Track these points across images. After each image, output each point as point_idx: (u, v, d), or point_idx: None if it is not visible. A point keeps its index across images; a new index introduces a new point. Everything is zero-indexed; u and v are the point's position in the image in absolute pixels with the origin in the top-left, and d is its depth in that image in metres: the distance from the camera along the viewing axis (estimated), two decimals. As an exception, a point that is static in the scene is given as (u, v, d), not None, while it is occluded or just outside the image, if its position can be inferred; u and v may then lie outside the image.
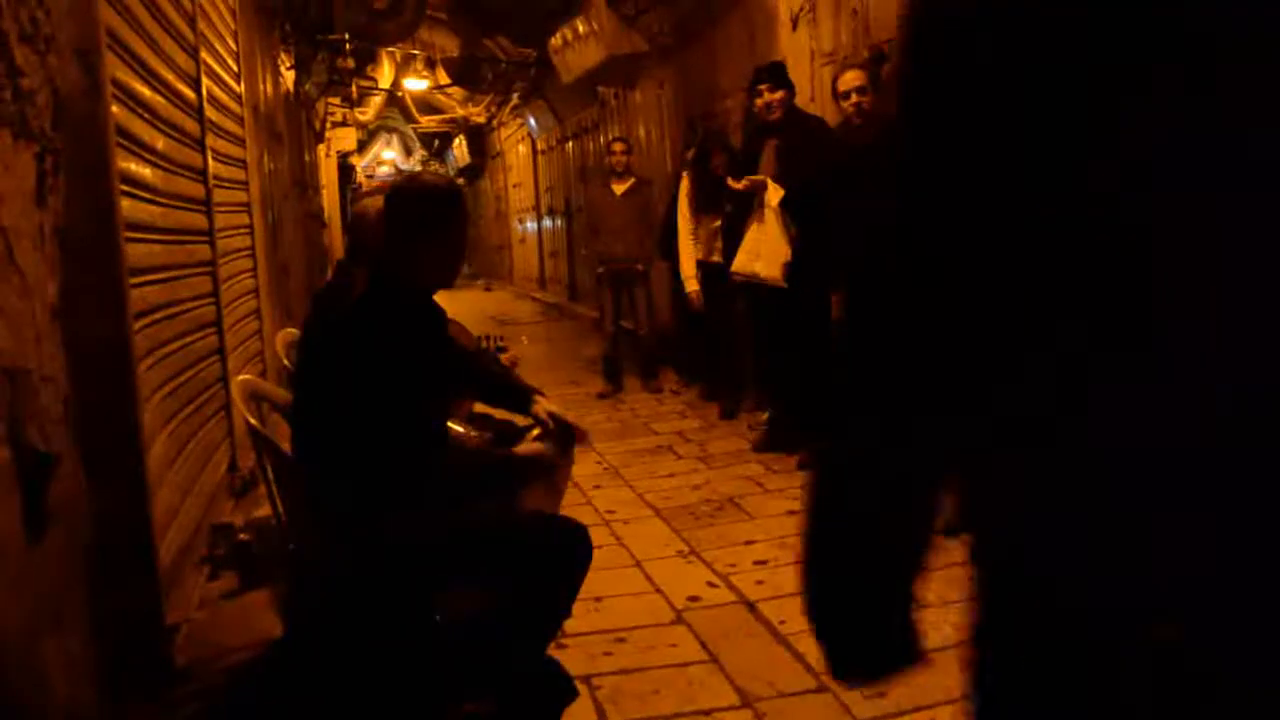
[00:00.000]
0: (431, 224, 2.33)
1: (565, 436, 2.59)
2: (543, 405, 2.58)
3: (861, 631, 0.97)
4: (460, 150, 21.10)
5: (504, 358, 3.08)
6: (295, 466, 2.36)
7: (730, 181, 4.79)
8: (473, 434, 2.57)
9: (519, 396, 2.61)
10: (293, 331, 3.83)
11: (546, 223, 15.29)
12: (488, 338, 3.20)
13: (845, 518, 0.93)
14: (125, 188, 2.75)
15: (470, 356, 2.78)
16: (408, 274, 2.33)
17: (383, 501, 2.22)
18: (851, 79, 4.31)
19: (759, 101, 4.78)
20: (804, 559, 0.97)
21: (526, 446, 2.53)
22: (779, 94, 4.74)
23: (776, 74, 4.87)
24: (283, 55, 8.17)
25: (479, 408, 3.09)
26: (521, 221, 17.58)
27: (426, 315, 2.40)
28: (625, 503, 4.47)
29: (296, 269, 7.86)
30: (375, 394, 2.18)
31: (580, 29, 9.26)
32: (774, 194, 4.67)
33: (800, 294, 4.50)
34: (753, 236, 4.76)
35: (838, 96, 4.40)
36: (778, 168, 4.73)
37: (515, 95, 14.16)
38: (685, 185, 5.99)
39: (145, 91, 3.13)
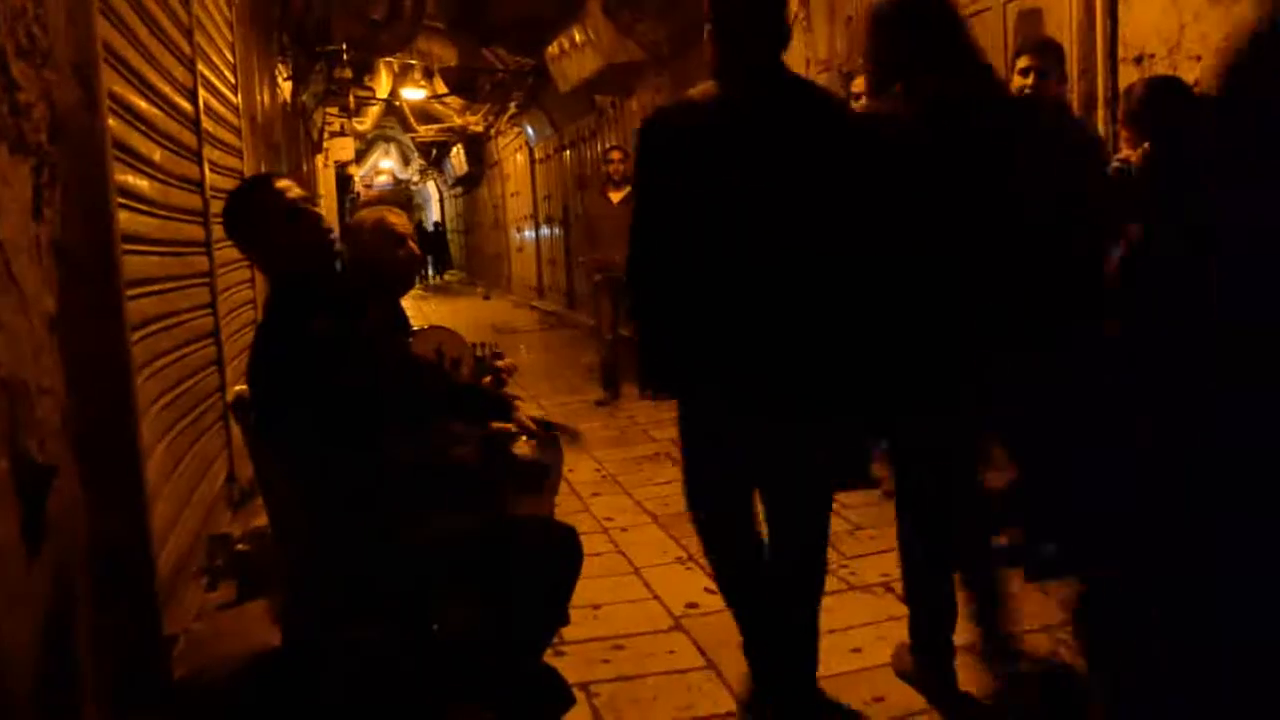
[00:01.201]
0: (250, 223, 2.35)
1: (552, 441, 2.60)
2: (524, 412, 2.60)
3: (654, 373, 2.45)
4: (458, 159, 21.14)
5: (501, 364, 3.07)
6: (285, 478, 2.36)
7: None
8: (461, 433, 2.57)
9: (498, 406, 2.61)
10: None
11: (544, 231, 15.31)
12: (483, 345, 3.19)
13: (647, 319, 2.40)
14: (122, 200, 2.76)
15: (442, 375, 2.77)
16: (293, 279, 2.33)
17: (371, 507, 2.23)
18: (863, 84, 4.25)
19: None
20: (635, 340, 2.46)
21: (522, 450, 2.53)
22: None
23: None
24: (280, 66, 8.18)
25: None
26: (520, 230, 17.60)
27: (344, 308, 2.36)
28: (623, 510, 4.48)
29: (295, 279, 7.87)
30: (320, 391, 2.19)
31: (577, 38, 9.30)
32: None
33: None
34: None
35: (850, 98, 4.37)
36: None
37: (513, 104, 14.19)
38: None
39: (142, 104, 3.15)
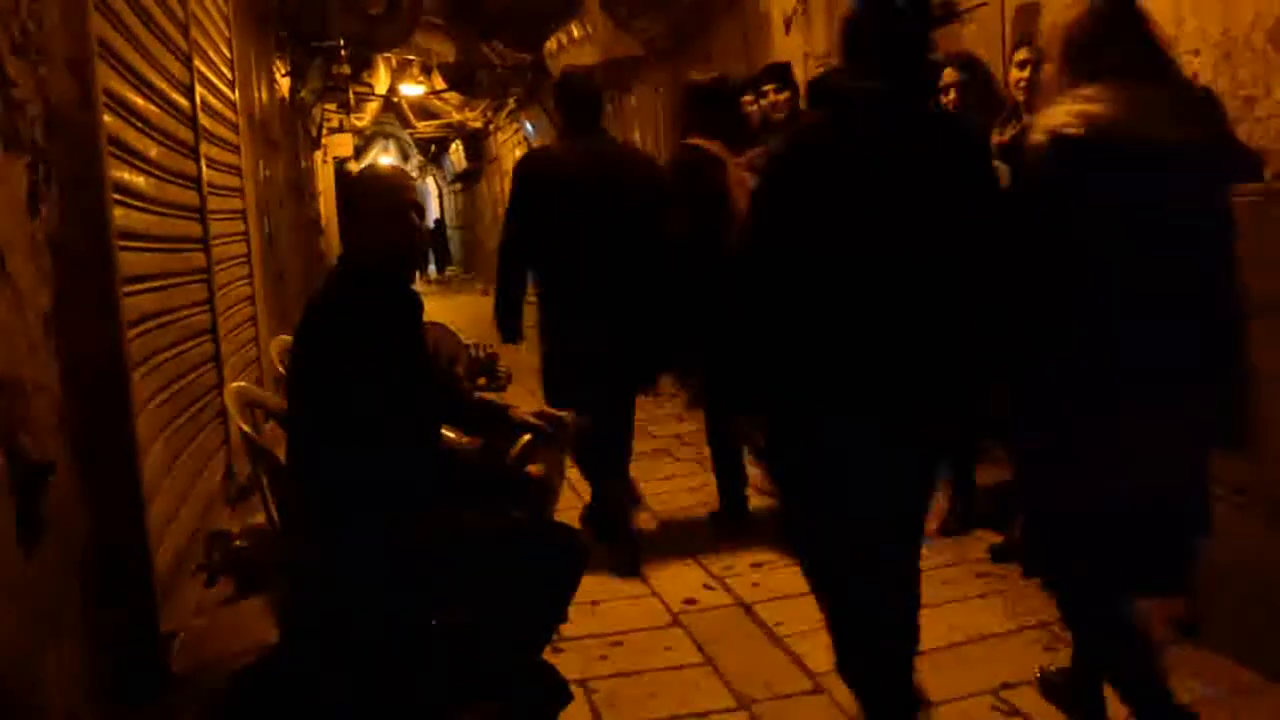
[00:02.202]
0: (381, 210, 2.36)
1: (555, 436, 2.60)
2: (521, 410, 2.61)
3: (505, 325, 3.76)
4: (457, 155, 21.11)
5: (499, 366, 3.07)
6: (290, 472, 2.36)
7: None
8: (464, 440, 2.56)
9: (494, 413, 2.63)
10: (288, 338, 3.83)
11: (544, 227, 15.24)
12: (477, 346, 3.19)
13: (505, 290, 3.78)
14: (118, 196, 2.75)
15: (445, 378, 2.79)
16: (368, 261, 2.35)
17: (375, 503, 2.22)
18: None
19: (763, 103, 4.74)
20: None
21: (537, 467, 2.53)
22: (784, 95, 4.70)
23: (781, 75, 4.82)
24: (278, 62, 8.17)
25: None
26: (519, 226, 17.53)
27: (400, 303, 2.40)
28: (622, 506, 4.47)
29: (293, 275, 7.86)
30: (358, 382, 2.19)
31: (575, 33, 9.29)
32: None
33: None
34: None
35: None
36: None
37: (511, 100, 14.16)
38: None
39: (138, 100, 3.14)
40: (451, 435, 2.67)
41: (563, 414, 2.66)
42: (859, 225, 2.01)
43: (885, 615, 2.19)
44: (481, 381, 3.00)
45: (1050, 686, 2.50)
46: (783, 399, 2.09)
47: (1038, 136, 2.04)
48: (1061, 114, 2.01)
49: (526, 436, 2.54)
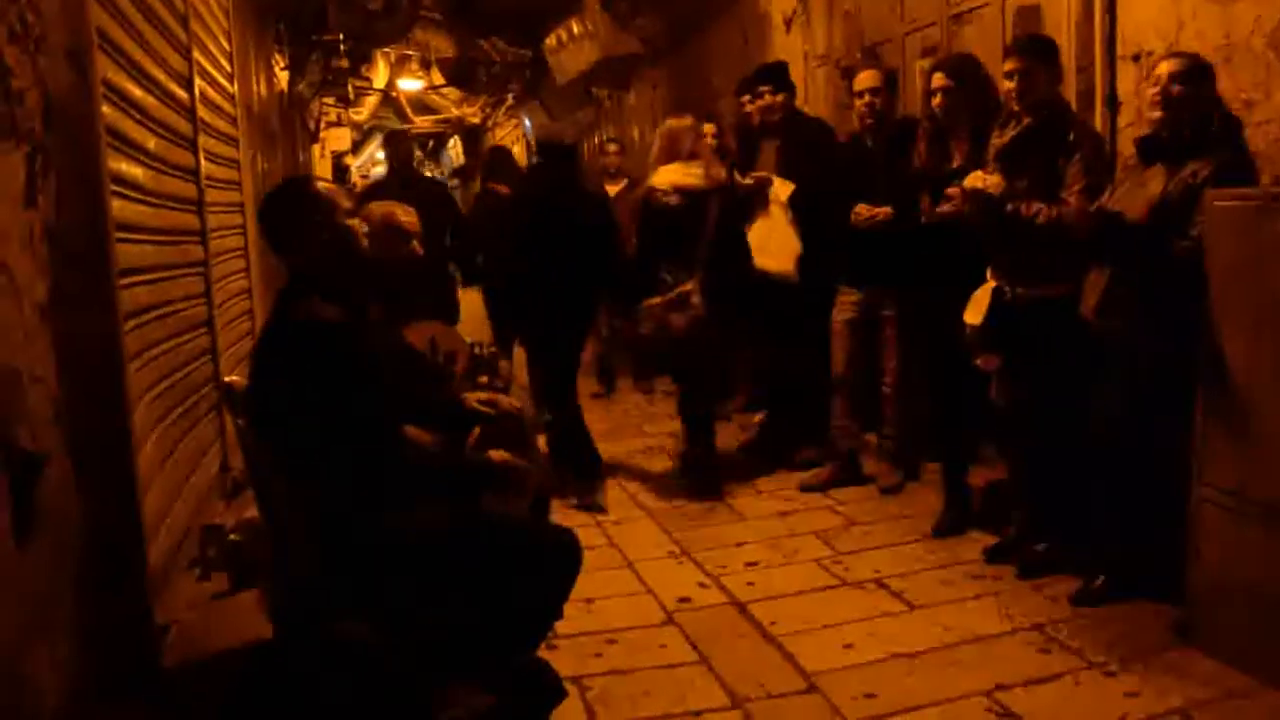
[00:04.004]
0: (290, 229, 2.29)
1: (514, 425, 2.58)
2: (473, 398, 2.59)
3: None
4: (455, 151, 21.09)
5: (501, 365, 3.06)
6: (279, 466, 2.35)
7: (737, 177, 4.72)
8: (425, 438, 2.55)
9: (451, 411, 2.63)
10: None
11: (541, 223, 15.22)
12: (481, 345, 3.17)
13: None
14: (116, 188, 2.74)
15: (435, 376, 2.76)
16: (304, 284, 2.29)
17: (349, 504, 2.21)
18: (866, 79, 4.25)
19: (760, 103, 4.73)
20: None
21: (500, 454, 2.49)
22: (780, 96, 4.70)
23: (778, 76, 4.82)
24: (277, 55, 8.16)
25: None
26: (516, 222, 17.50)
27: (354, 324, 2.30)
28: (617, 503, 4.47)
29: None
30: (298, 423, 2.16)
31: (575, 30, 9.26)
32: (782, 189, 4.60)
33: (804, 291, 4.52)
34: (759, 232, 4.70)
35: (852, 95, 4.36)
36: (779, 169, 4.71)
37: (510, 96, 14.14)
38: None
39: (137, 92, 3.13)
40: (416, 434, 2.63)
41: (518, 404, 2.64)
42: (536, 238, 4.36)
43: (554, 386, 4.65)
44: (483, 380, 2.96)
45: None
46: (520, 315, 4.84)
47: (645, 189, 4.48)
48: (657, 179, 4.38)
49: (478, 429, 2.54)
